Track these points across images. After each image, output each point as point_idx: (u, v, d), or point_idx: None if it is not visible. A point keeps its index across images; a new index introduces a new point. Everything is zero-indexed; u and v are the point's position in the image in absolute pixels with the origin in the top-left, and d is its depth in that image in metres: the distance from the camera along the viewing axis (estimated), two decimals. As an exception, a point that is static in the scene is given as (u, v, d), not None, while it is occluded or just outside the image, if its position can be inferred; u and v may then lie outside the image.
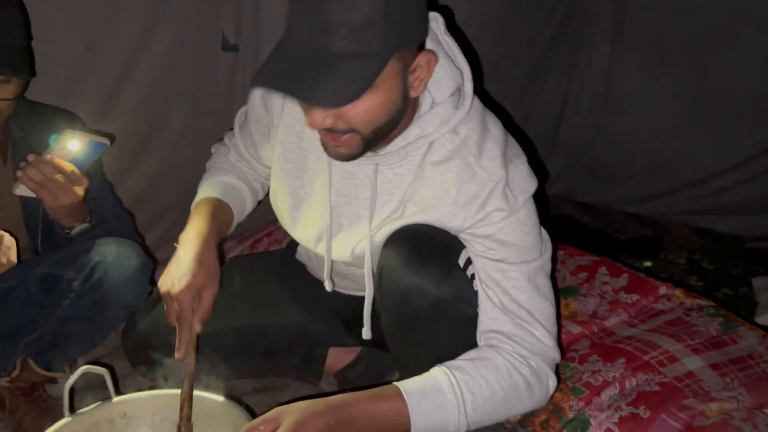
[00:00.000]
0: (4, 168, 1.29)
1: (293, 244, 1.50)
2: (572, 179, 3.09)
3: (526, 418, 1.26)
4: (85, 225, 1.29)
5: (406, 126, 1.06)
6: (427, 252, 1.05)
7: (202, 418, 1.10)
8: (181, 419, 1.07)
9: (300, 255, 1.44)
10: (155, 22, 1.77)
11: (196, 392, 1.11)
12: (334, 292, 1.38)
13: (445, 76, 1.05)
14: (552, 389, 1.09)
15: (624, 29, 2.84)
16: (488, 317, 1.06)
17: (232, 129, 1.38)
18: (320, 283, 1.41)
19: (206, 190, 1.29)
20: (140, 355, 1.34)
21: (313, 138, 1.16)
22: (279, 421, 0.91)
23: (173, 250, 1.99)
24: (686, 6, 2.64)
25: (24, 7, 1.24)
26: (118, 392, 1.15)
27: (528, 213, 1.07)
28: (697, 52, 2.65)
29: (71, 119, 1.40)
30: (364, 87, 0.90)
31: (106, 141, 1.19)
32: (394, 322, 1.11)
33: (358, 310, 1.33)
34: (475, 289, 1.07)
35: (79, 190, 1.18)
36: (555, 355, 1.09)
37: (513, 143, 1.11)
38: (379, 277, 1.11)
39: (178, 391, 1.12)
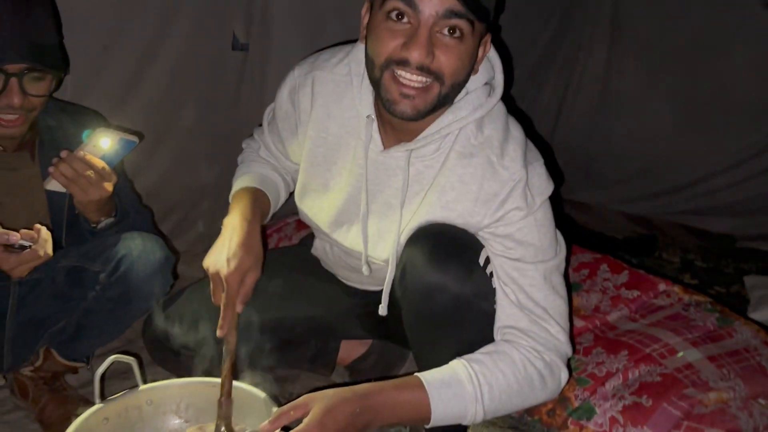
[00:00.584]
0: (32, 164, 1.33)
1: (307, 240, 1.55)
2: (569, 179, 3.14)
3: (534, 408, 1.33)
4: (110, 219, 1.33)
5: (442, 112, 1.11)
6: (450, 251, 1.10)
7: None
8: (222, 395, 1.11)
9: (316, 250, 1.48)
10: (169, 23, 1.82)
11: (236, 383, 1.15)
12: (347, 286, 1.43)
13: (479, 67, 1.12)
14: (564, 382, 1.14)
15: (621, 33, 2.91)
16: (505, 313, 1.12)
17: (259, 126, 1.42)
18: (334, 278, 1.46)
19: (244, 181, 1.33)
20: (161, 347, 1.38)
21: (340, 132, 1.21)
22: (308, 407, 0.96)
23: (186, 242, 2.04)
24: (682, 11, 2.71)
25: (56, 6, 1.28)
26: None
27: (545, 214, 1.13)
28: (692, 56, 2.72)
29: (96, 117, 1.44)
30: (490, 14, 1.02)
31: (135, 139, 1.24)
32: (416, 317, 1.16)
33: (370, 305, 1.39)
34: (494, 286, 1.12)
35: (109, 186, 1.23)
36: (567, 350, 1.15)
37: (532, 146, 1.16)
38: (402, 273, 1.15)
39: (202, 380, 1.16)
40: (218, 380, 1.17)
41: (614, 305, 1.57)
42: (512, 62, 1.46)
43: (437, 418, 1.03)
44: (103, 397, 1.13)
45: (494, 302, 1.12)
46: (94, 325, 1.40)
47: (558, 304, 1.13)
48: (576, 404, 1.30)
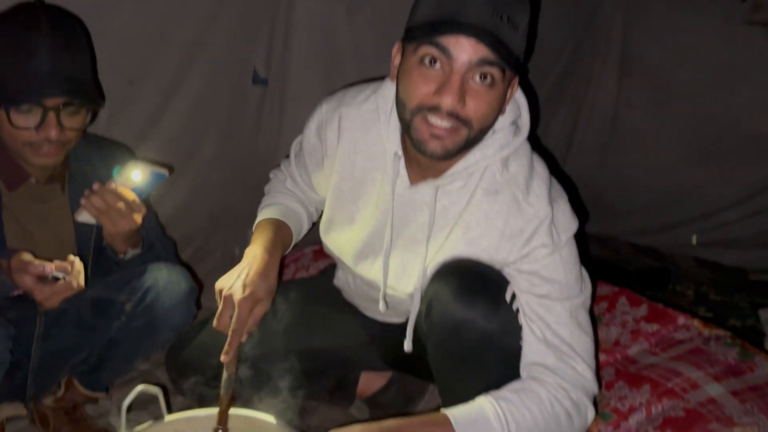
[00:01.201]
0: (61, 196, 1.36)
1: (329, 271, 1.57)
2: (578, 211, 3.16)
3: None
4: (137, 251, 1.35)
5: (469, 151, 1.13)
6: (476, 286, 1.11)
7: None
8: (218, 424, 1.13)
9: (338, 280, 1.49)
10: (192, 57, 1.86)
11: (247, 412, 1.16)
12: (367, 318, 1.44)
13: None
14: (590, 420, 1.14)
15: (631, 67, 2.94)
16: (532, 350, 1.12)
17: (287, 157, 1.45)
18: (355, 309, 1.47)
19: (268, 212, 1.36)
20: (183, 377, 1.39)
21: (366, 166, 1.24)
22: None
23: (204, 269, 2.05)
24: (692, 45, 2.74)
25: (91, 42, 1.32)
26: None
27: (570, 251, 1.14)
28: (702, 89, 2.74)
29: (123, 150, 1.47)
30: (519, 60, 1.04)
31: (165, 171, 1.26)
32: (442, 352, 1.17)
33: (392, 337, 1.39)
34: (520, 323, 1.13)
35: (138, 218, 1.25)
36: (594, 387, 1.15)
37: (556, 183, 1.19)
38: (428, 308, 1.16)
39: (238, 412, 1.17)
40: (243, 411, 1.18)
41: (634, 339, 1.57)
42: (537, 101, 1.48)
43: (465, 455, 1.03)
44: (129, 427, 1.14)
45: (520, 338, 1.13)
46: (118, 355, 1.41)
47: (584, 341, 1.14)
48: (600, 439, 1.30)
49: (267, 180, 1.53)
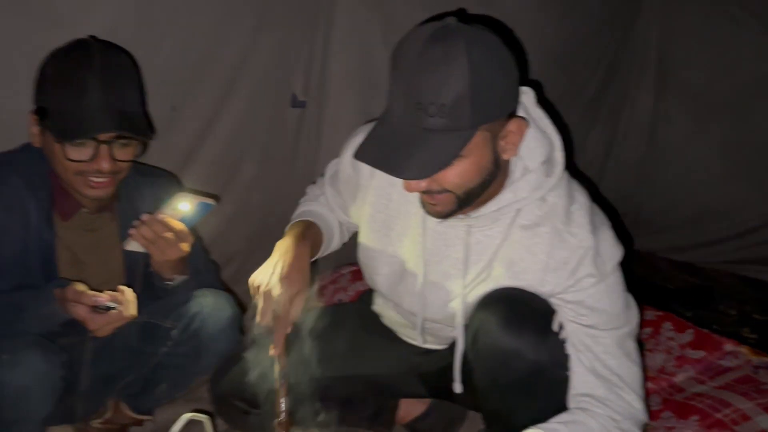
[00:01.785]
0: (111, 225, 1.39)
1: (366, 296, 1.57)
2: (617, 227, 3.12)
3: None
4: (183, 277, 1.38)
5: (498, 190, 1.12)
6: (524, 316, 1.11)
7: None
8: (278, 414, 1.14)
9: (377, 306, 1.50)
10: (233, 83, 1.90)
11: None
12: (407, 344, 1.44)
13: (536, 145, 1.12)
14: None
15: (668, 82, 2.91)
16: (580, 381, 1.11)
17: (322, 175, 1.46)
18: (394, 335, 1.48)
19: (301, 215, 1.38)
20: (226, 403, 1.40)
21: (402, 200, 1.24)
22: None
23: (243, 290, 2.08)
24: (730, 59, 2.70)
25: (141, 77, 1.35)
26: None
27: (616, 280, 1.13)
28: (741, 103, 2.71)
29: (170, 179, 1.51)
30: (450, 159, 0.99)
31: (212, 202, 1.29)
32: (490, 382, 1.17)
33: (432, 363, 1.39)
34: (567, 352, 1.12)
35: (185, 247, 1.28)
36: (644, 417, 1.13)
37: (598, 211, 1.17)
38: (475, 337, 1.16)
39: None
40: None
41: (679, 365, 1.54)
42: (570, 134, 1.45)
43: (514, 488, 1.03)
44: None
45: (568, 368, 1.12)
46: (164, 379, 1.44)
47: (633, 372, 1.13)
48: (647, 470, 1.28)
49: (304, 202, 1.55)
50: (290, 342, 1.19)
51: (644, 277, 2.76)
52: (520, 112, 1.11)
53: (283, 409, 1.16)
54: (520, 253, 1.14)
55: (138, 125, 1.27)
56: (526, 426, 1.08)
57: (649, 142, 3.00)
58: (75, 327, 1.28)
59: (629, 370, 1.12)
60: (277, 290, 1.11)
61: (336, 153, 1.42)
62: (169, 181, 1.49)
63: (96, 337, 1.37)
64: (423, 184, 1.03)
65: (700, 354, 1.56)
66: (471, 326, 1.18)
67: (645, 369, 1.20)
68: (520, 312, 1.11)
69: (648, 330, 1.66)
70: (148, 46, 1.63)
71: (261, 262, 2.16)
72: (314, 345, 1.45)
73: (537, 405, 1.12)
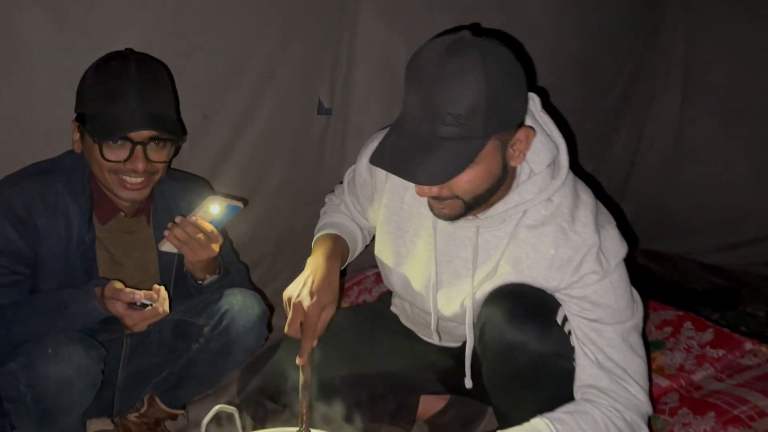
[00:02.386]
0: (146, 228, 1.48)
1: (386, 297, 1.63)
2: (644, 229, 3.11)
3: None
4: (214, 277, 1.45)
5: (506, 193, 1.17)
6: (528, 310, 1.15)
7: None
8: (302, 423, 1.19)
9: (395, 306, 1.55)
10: (261, 92, 1.98)
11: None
12: (425, 342, 1.49)
13: (542, 149, 1.17)
14: None
15: (694, 84, 2.90)
16: (585, 373, 1.15)
17: (340, 183, 1.53)
18: (413, 334, 1.53)
19: (326, 228, 1.44)
20: (253, 399, 1.47)
21: (414, 202, 1.29)
22: None
23: (271, 291, 2.15)
24: (757, 60, 2.69)
25: (174, 83, 1.43)
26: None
27: (620, 276, 1.16)
28: (768, 105, 2.69)
29: (202, 184, 1.58)
30: (463, 166, 1.04)
31: (240, 204, 1.36)
32: (497, 374, 1.21)
33: (448, 360, 1.44)
34: (572, 344, 1.16)
35: (216, 247, 1.35)
36: (648, 409, 1.16)
37: (603, 209, 1.21)
38: (482, 331, 1.21)
39: (294, 430, 1.24)
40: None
41: (699, 364, 1.55)
42: (575, 138, 1.47)
43: (521, 476, 1.06)
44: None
45: (573, 360, 1.16)
46: (196, 374, 1.51)
47: (637, 364, 1.16)
48: (662, 465, 1.30)
49: (330, 206, 1.61)
50: (316, 350, 1.24)
51: (672, 279, 2.76)
52: (528, 118, 1.16)
53: (305, 416, 1.20)
54: (526, 252, 1.18)
55: (170, 127, 1.34)
56: (532, 416, 1.11)
57: (675, 145, 2.99)
58: (113, 324, 1.37)
59: (633, 363, 1.15)
60: (306, 302, 1.18)
61: (359, 159, 1.48)
62: (201, 186, 1.57)
63: (133, 334, 1.46)
64: (435, 189, 1.09)
65: (719, 353, 1.56)
66: (479, 322, 1.22)
67: (651, 362, 1.23)
68: (525, 306, 1.15)
69: (668, 329, 1.67)
70: (181, 57, 1.72)
71: (288, 264, 2.26)
72: (337, 345, 1.51)
73: (543, 396, 1.15)
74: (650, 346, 1.63)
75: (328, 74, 2.09)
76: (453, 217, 1.14)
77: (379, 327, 1.56)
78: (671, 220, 3.04)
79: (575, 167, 1.23)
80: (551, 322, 1.15)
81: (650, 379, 1.22)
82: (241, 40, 1.88)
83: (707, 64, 2.85)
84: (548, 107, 1.25)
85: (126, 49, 1.39)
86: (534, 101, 1.20)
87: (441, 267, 1.28)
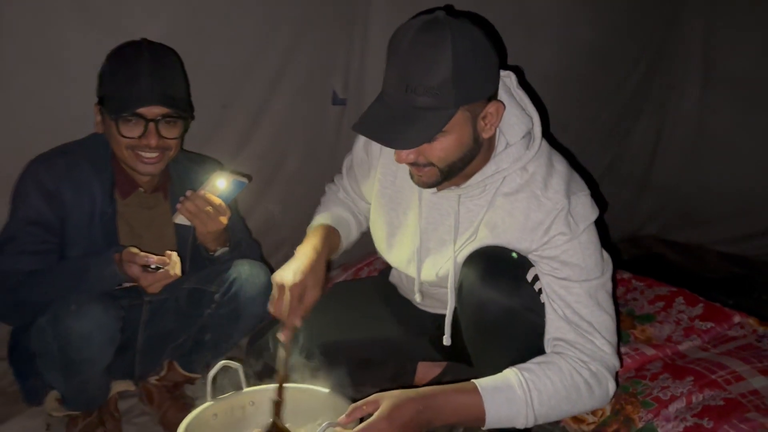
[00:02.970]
0: (164, 204, 1.61)
1: (387, 269, 1.72)
2: (664, 219, 3.11)
3: (600, 428, 1.39)
4: (225, 249, 1.57)
5: (484, 163, 1.26)
6: (500, 269, 1.23)
7: (310, 408, 1.30)
8: (278, 394, 1.29)
9: (393, 277, 1.65)
10: (278, 83, 2.10)
11: (304, 385, 1.32)
12: (422, 311, 1.58)
13: (516, 122, 1.26)
14: (611, 392, 1.22)
15: (714, 73, 2.89)
16: (553, 327, 1.23)
17: (340, 172, 1.64)
18: (410, 303, 1.61)
19: (321, 218, 1.55)
20: (255, 361, 1.57)
21: (405, 177, 1.39)
22: (378, 403, 1.10)
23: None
24: (777, 49, 2.67)
25: (183, 66, 1.56)
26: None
27: (589, 237, 1.24)
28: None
29: (216, 165, 1.71)
30: (434, 132, 1.13)
31: (245, 180, 1.48)
32: (473, 329, 1.30)
33: (442, 328, 1.52)
34: (542, 301, 1.24)
35: (224, 220, 1.47)
36: (614, 361, 1.23)
37: (577, 178, 1.28)
38: (459, 290, 1.30)
39: (297, 386, 1.33)
40: (309, 387, 1.33)
41: (686, 335, 1.59)
42: (547, 111, 1.54)
43: (491, 419, 1.14)
44: (214, 396, 1.33)
45: (543, 315, 1.23)
46: (209, 339, 1.63)
47: (603, 320, 1.22)
48: (639, 425, 1.35)
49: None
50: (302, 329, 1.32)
51: (690, 268, 2.76)
52: (503, 93, 1.24)
53: (282, 388, 1.29)
54: (502, 217, 1.27)
55: (180, 105, 1.47)
56: (506, 367, 1.19)
57: (696, 134, 2.99)
58: (133, 292, 1.50)
59: (600, 318, 1.22)
60: (289, 282, 1.27)
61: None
62: (213, 166, 1.69)
63: (151, 301, 1.60)
64: (411, 155, 1.18)
65: (708, 325, 1.60)
66: (458, 282, 1.31)
67: (619, 324, 1.28)
68: (497, 265, 1.24)
69: (660, 304, 1.71)
70: (200, 50, 1.85)
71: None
72: (344, 311, 1.61)
73: (514, 347, 1.23)
74: (637, 318, 1.68)
75: (343, 66, 2.19)
76: (431, 185, 1.23)
77: (378, 295, 1.65)
78: (692, 210, 3.03)
79: (551, 140, 1.31)
80: (520, 280, 1.23)
81: (619, 335, 1.28)
82: (258, 32, 2.00)
83: (727, 52, 2.84)
84: (524, 84, 1.33)
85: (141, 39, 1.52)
86: (510, 78, 1.28)
87: (427, 235, 1.38)
